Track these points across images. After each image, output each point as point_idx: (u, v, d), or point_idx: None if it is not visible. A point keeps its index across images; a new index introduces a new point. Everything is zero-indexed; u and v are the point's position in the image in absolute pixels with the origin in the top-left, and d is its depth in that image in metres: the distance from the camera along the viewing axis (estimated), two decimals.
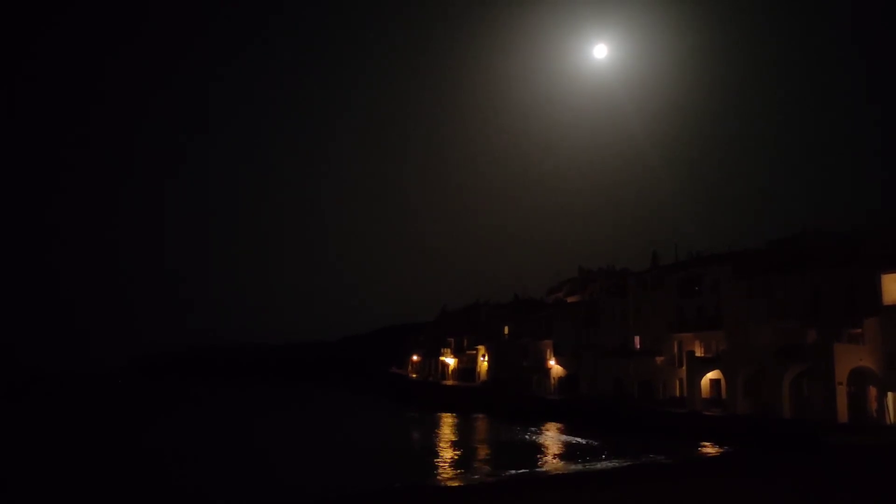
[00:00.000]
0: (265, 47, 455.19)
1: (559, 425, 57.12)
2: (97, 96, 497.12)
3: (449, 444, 50.04)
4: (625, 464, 37.80)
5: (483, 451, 45.80)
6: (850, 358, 43.75)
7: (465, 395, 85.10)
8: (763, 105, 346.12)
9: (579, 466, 37.54)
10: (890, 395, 43.19)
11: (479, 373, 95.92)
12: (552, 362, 76.06)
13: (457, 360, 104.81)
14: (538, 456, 42.16)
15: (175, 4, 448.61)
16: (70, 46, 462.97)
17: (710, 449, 43.14)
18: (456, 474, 36.23)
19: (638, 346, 64.49)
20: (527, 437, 51.53)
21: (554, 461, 40.21)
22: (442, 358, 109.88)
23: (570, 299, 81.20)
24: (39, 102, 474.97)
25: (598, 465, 37.58)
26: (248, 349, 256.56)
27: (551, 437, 51.24)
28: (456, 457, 42.79)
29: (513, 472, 35.92)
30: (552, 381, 75.85)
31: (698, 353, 56.43)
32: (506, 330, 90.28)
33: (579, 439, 48.31)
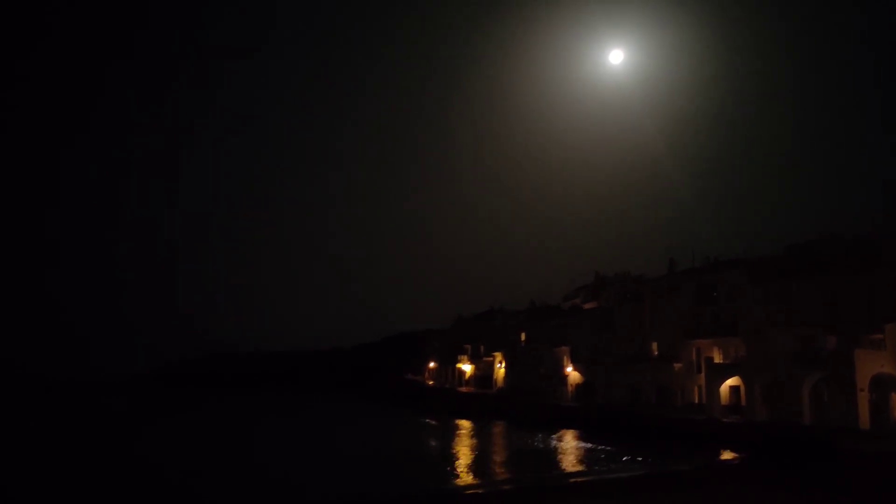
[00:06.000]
0: (267, 51, 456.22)
1: (576, 432, 57.02)
2: (97, 104, 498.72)
3: (466, 450, 50.14)
4: (643, 471, 37.74)
5: (501, 458, 45.85)
6: (872, 364, 43.39)
7: (481, 402, 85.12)
8: (779, 110, 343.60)
9: (597, 474, 37.51)
10: None
11: (495, 380, 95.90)
12: (569, 369, 75.93)
13: (473, 366, 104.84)
14: (556, 463, 42.17)
15: (175, 6, 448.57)
16: (68, 52, 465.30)
17: (728, 456, 42.93)
18: (474, 481, 36.32)
19: (655, 353, 64.35)
20: (544, 443, 51.53)
21: (571, 468, 40.20)
22: (458, 365, 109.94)
23: (586, 306, 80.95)
24: (39, 107, 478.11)
25: (616, 473, 37.52)
26: (260, 357, 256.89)
27: (569, 444, 51.18)
28: (474, 463, 42.87)
29: (531, 479, 35.98)
30: (569, 388, 75.69)
31: (717, 359, 56.18)
32: (522, 336, 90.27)
33: (597, 446, 48.22)
